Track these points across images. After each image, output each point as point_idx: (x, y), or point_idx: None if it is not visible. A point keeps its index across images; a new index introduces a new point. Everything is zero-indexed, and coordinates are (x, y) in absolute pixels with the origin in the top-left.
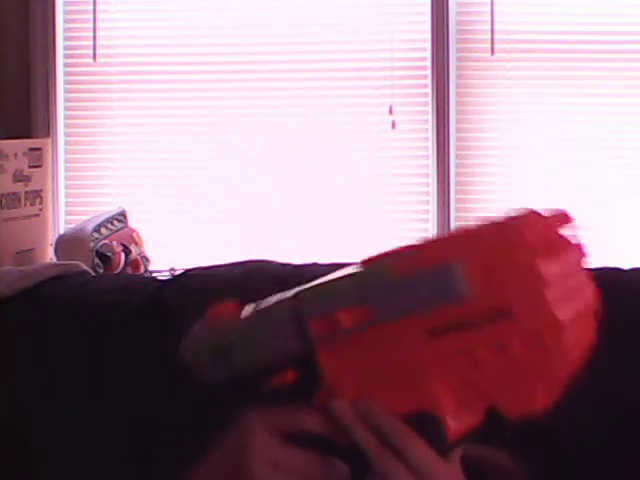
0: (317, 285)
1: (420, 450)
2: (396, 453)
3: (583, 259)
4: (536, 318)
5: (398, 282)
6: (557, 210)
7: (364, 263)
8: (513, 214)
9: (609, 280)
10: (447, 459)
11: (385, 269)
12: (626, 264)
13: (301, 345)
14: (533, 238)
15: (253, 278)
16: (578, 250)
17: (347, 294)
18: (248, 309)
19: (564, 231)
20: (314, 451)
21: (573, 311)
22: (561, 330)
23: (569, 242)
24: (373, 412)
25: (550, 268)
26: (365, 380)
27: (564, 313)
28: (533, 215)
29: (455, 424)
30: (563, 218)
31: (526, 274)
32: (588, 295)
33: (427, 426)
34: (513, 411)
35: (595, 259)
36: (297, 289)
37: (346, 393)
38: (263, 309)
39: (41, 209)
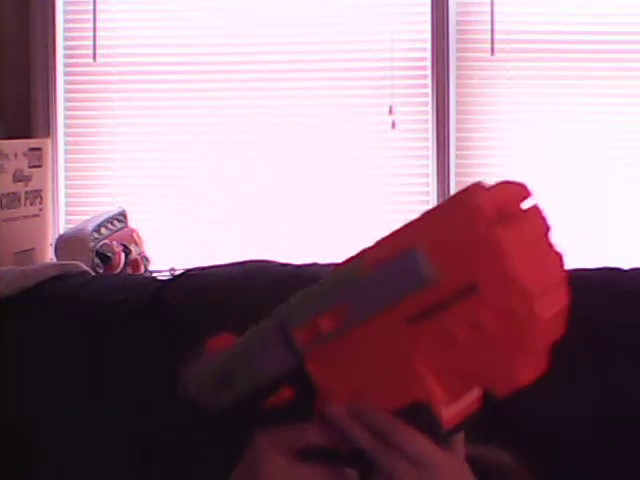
0: (297, 296)
1: (417, 442)
2: (395, 449)
3: (547, 229)
4: (502, 288)
5: (368, 278)
6: (508, 180)
7: (337, 267)
8: (462, 190)
9: (609, 280)
10: (448, 447)
11: (355, 268)
12: (626, 264)
13: (291, 357)
14: (484, 208)
15: (253, 278)
16: (539, 219)
17: (324, 298)
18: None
19: (523, 203)
20: (324, 464)
21: (541, 279)
22: (529, 296)
23: (527, 211)
24: (367, 412)
25: (508, 236)
26: (356, 381)
27: (531, 281)
28: (480, 187)
29: (448, 411)
30: (516, 188)
31: (484, 244)
32: (557, 263)
33: (421, 417)
34: (501, 389)
35: (595, 259)
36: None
37: (340, 397)
38: (252, 330)
39: (41, 209)
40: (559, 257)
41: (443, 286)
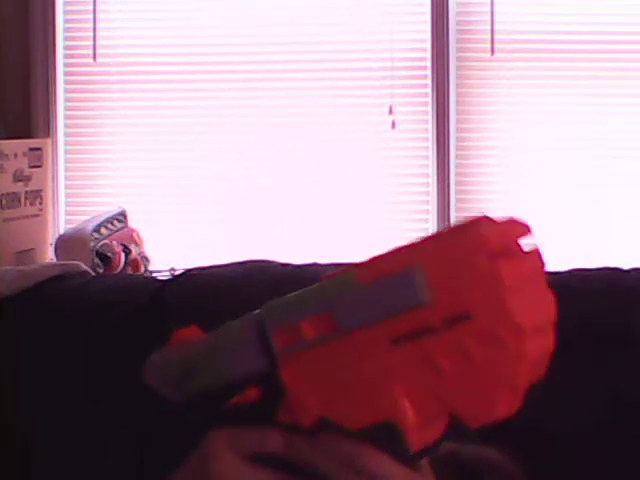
0: (282, 298)
1: (385, 465)
2: (357, 472)
3: (542, 268)
4: (495, 321)
5: (361, 291)
6: (513, 218)
7: (328, 277)
8: (468, 220)
9: (609, 280)
10: (415, 469)
11: (349, 279)
12: (626, 264)
13: (264, 358)
14: (489, 239)
15: (253, 278)
16: (538, 260)
17: (311, 304)
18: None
19: (521, 240)
20: (279, 472)
21: (534, 319)
22: (521, 333)
23: (526, 250)
24: (328, 445)
25: (508, 270)
26: (328, 393)
27: (525, 318)
28: (488, 220)
29: (418, 434)
30: (520, 227)
31: (484, 276)
32: (548, 305)
33: (389, 437)
34: (474, 419)
35: (595, 259)
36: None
37: (307, 407)
38: (226, 325)
39: (41, 209)
40: (552, 300)
41: (436, 310)
